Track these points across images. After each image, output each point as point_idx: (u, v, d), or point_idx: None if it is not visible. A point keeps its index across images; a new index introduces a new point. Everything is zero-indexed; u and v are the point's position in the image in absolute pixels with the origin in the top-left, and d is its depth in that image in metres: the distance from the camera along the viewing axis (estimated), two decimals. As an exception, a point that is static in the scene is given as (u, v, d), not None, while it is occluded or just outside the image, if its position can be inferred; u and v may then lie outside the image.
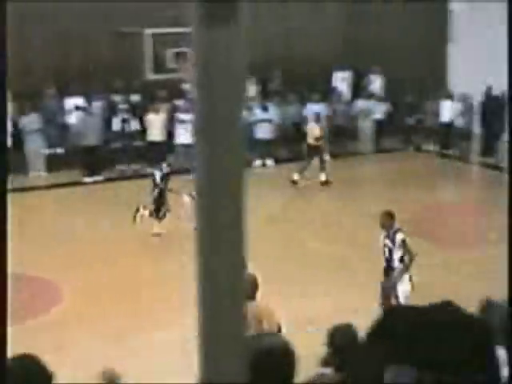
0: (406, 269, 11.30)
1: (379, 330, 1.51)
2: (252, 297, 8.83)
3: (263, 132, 21.95)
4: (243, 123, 1.25)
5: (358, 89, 24.19)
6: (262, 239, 15.44)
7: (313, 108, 22.23)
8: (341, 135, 22.93)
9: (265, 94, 22.98)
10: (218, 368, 1.24)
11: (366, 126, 23.24)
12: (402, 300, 11.13)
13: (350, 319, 5.92)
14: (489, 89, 22.55)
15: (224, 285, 1.25)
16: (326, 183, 19.72)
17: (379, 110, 23.30)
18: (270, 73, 23.05)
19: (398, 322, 1.50)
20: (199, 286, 1.25)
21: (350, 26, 23.93)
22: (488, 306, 7.84)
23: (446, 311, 1.53)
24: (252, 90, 22.79)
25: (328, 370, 4.81)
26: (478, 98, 22.68)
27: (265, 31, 22.00)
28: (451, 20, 24.89)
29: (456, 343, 1.44)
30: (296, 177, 19.69)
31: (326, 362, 4.94)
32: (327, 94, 23.31)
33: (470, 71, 23.21)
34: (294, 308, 11.82)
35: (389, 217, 11.43)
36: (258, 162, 21.75)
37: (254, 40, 21.18)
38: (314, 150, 19.96)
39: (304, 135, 20.86)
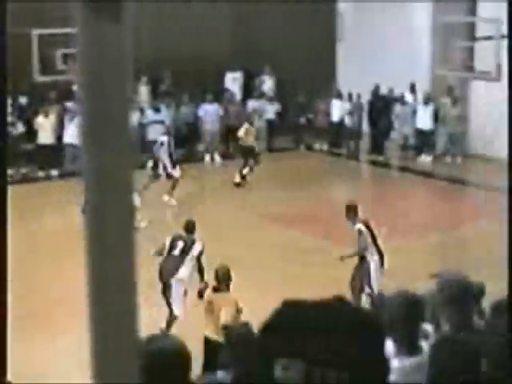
0: (354, 254, 11.95)
1: (271, 325, 1.53)
2: (226, 288, 9.50)
3: (155, 133, 21.81)
4: (131, 123, 1.25)
5: (250, 89, 24.34)
6: (155, 241, 15.36)
7: (206, 108, 22.28)
8: (233, 135, 23.03)
9: (156, 95, 22.86)
10: (110, 369, 1.23)
11: (258, 126, 23.38)
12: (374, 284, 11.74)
13: (247, 318, 5.96)
14: (376, 88, 23.05)
15: (114, 286, 1.24)
16: (239, 185, 19.90)
17: (270, 110, 23.50)
18: (160, 73, 22.93)
19: (289, 317, 1.52)
20: (89, 287, 1.24)
21: (241, 26, 24.05)
22: (380, 299, 8.02)
23: (336, 306, 1.55)
24: (143, 90, 22.63)
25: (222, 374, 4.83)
26: (366, 97, 23.16)
27: (155, 31, 21.87)
28: (339, 20, 25.34)
29: (345, 338, 1.47)
30: (237, 179, 19.86)
31: (220, 362, 4.96)
32: (219, 94, 23.36)
33: (358, 70, 23.71)
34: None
35: (349, 209, 12.03)
36: (150, 164, 21.60)
37: (143, 40, 21.05)
38: (248, 151, 20.14)
39: (198, 135, 20.91)
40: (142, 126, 21.70)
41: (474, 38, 19.95)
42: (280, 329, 1.50)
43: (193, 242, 11.43)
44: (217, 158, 22.55)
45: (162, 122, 21.97)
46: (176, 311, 11.13)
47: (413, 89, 22.47)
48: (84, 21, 1.17)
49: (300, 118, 23.89)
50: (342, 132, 23.33)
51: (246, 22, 24.05)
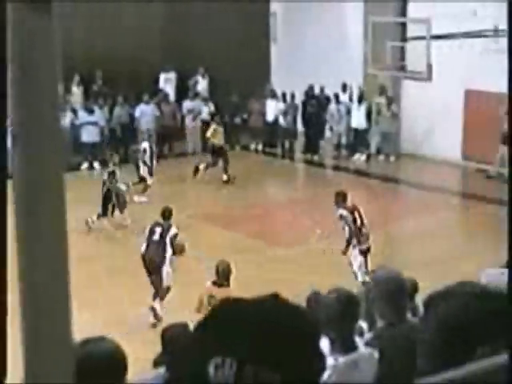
0: (349, 239, 12.53)
1: (206, 324, 1.52)
2: (225, 283, 10.06)
3: (89, 135, 21.61)
4: (61, 124, 1.23)
5: (184, 90, 24.27)
6: (84, 243, 15.20)
7: (143, 109, 22.15)
8: (168, 136, 22.96)
9: (88, 96, 22.62)
10: (43, 371, 1.21)
11: (192, 126, 23.34)
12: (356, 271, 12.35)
13: (179, 319, 5.93)
14: (310, 88, 23.20)
15: (47, 288, 1.22)
16: (227, 182, 20.08)
17: (205, 111, 23.47)
18: (92, 73, 22.70)
19: (224, 315, 1.52)
20: (21, 288, 1.22)
21: (175, 26, 23.95)
22: (314, 297, 8.08)
23: (271, 304, 1.55)
24: (75, 91, 22.37)
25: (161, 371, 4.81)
26: (300, 97, 23.30)
27: (87, 30, 21.65)
28: (272, 20, 25.44)
29: (279, 336, 1.47)
30: (225, 177, 20.03)
31: (156, 362, 4.94)
32: (154, 95, 23.23)
33: (292, 70, 23.84)
34: (104, 310, 11.74)
35: (338, 195, 12.71)
36: (84, 165, 21.42)
37: (76, 39, 20.82)
38: (218, 151, 20.30)
39: (134, 136, 20.82)
40: (75, 128, 21.45)
41: (404, 39, 20.26)
42: (214, 327, 1.50)
43: (169, 227, 12.47)
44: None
45: (95, 124, 21.76)
46: (169, 283, 12.27)
47: (344, 88, 22.68)
48: (13, 17, 1.15)
49: (235, 119, 23.90)
50: (277, 132, 23.41)
51: (179, 21, 23.97)
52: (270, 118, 23.42)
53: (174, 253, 12.36)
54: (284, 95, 23.38)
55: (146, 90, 22.81)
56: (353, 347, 4.64)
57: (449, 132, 21.07)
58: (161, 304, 12.14)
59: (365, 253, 12.66)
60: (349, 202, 12.85)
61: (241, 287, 12.28)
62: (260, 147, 23.81)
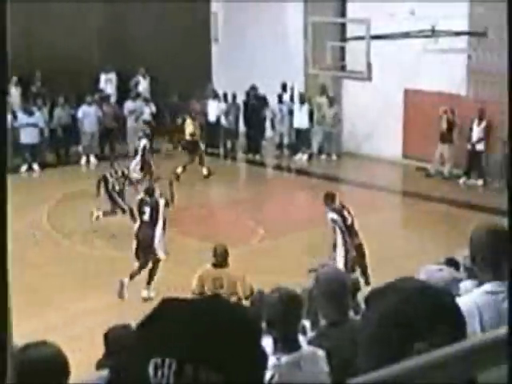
0: (344, 243, 12.58)
1: (148, 323, 1.52)
2: (225, 264, 10.35)
3: (28, 136, 21.32)
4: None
5: (125, 90, 24.10)
6: (30, 246, 15.03)
7: (85, 110, 21.94)
8: (109, 137, 22.78)
9: (27, 97, 22.32)
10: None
11: (134, 127, 23.18)
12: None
13: (128, 320, 5.89)
14: (252, 88, 23.23)
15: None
16: (208, 176, 20.36)
17: (147, 112, 23.34)
18: (32, 74, 22.41)
19: (165, 315, 1.52)
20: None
21: (114, 25, 23.78)
22: (258, 297, 8.10)
23: (212, 303, 1.55)
24: (14, 92, 22.05)
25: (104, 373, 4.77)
26: (242, 97, 23.32)
27: (25, 30, 21.36)
28: (213, 20, 25.41)
29: (220, 335, 1.47)
30: (179, 170, 20.04)
31: (99, 364, 4.89)
32: (95, 95, 23.01)
33: (234, 70, 23.85)
34: (52, 312, 11.61)
35: (327, 197, 12.88)
36: (24, 168, 21.15)
37: (13, 39, 20.51)
38: (192, 146, 20.50)
39: (75, 137, 20.61)
40: (14, 130, 21.14)
41: (344, 39, 20.42)
42: (155, 327, 1.50)
43: (157, 203, 12.98)
44: (92, 159, 22.25)
45: (34, 125, 21.48)
46: (161, 255, 12.97)
47: (284, 88, 22.78)
48: None
49: (176, 119, 23.80)
50: (219, 132, 23.40)
51: (119, 21, 23.80)
52: (211, 118, 23.39)
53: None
54: (225, 95, 23.38)
55: (86, 90, 22.59)
56: (296, 346, 4.65)
57: (389, 131, 21.31)
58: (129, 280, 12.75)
59: (358, 251, 12.71)
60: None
61: (184, 287, 12.27)
62: (202, 147, 23.74)
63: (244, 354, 1.48)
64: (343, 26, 21.43)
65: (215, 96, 23.51)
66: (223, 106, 23.32)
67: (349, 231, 12.66)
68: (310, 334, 6.04)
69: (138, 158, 18.56)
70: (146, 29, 23.93)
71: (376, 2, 19.66)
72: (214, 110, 23.39)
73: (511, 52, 1.44)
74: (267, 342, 4.53)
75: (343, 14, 22.17)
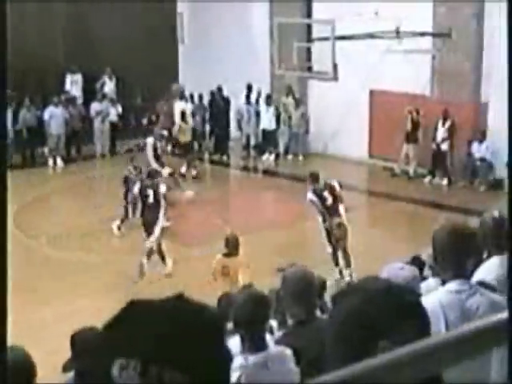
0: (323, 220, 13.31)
1: (113, 324, 1.52)
2: (235, 253, 10.81)
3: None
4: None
5: (92, 91, 23.97)
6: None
7: (52, 111, 21.77)
8: (76, 138, 22.63)
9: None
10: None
11: (101, 129, 23.07)
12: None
13: (95, 322, 5.86)
14: (218, 89, 23.22)
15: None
16: (196, 177, 20.59)
17: (113, 113, 23.23)
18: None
19: (131, 315, 1.52)
20: None
21: (80, 26, 23.63)
22: (226, 297, 8.11)
23: (177, 304, 1.56)
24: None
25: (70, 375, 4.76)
26: (207, 98, 23.30)
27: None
28: (179, 21, 25.35)
29: (184, 335, 1.48)
30: (194, 173, 20.48)
31: (65, 367, 4.87)
32: (61, 96, 22.83)
33: (200, 71, 23.82)
34: (29, 314, 11.52)
35: (309, 177, 13.59)
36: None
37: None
38: (185, 150, 20.85)
39: (41, 139, 20.52)
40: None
41: (310, 39, 20.49)
42: (121, 328, 1.50)
43: (157, 186, 13.64)
44: (59, 162, 22.09)
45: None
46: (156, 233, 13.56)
47: (250, 89, 22.79)
48: None
49: (143, 120, 23.72)
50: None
51: (84, 22, 23.66)
52: (178, 119, 23.31)
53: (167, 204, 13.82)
54: (192, 96, 23.34)
55: (52, 92, 22.43)
56: (263, 346, 4.67)
57: (355, 131, 21.41)
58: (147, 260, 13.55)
59: (337, 230, 13.25)
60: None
61: (151, 288, 12.27)
62: (169, 148, 23.67)
63: (208, 354, 1.49)
64: (309, 26, 21.50)
65: (182, 97, 23.45)
66: (190, 106, 23.27)
67: (328, 211, 13.14)
68: (278, 333, 6.06)
69: (151, 154, 18.40)
70: (112, 29, 23.81)
71: (341, 3, 19.75)
72: (180, 111, 23.30)
73: (511, 52, 1.47)
74: (235, 342, 4.55)
75: (309, 14, 22.24)
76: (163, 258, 13.79)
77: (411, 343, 1.42)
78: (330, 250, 13.34)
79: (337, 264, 13.38)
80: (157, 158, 18.34)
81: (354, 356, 1.58)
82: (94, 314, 10.73)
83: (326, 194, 13.22)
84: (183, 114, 21.31)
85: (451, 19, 19.04)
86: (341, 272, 13.32)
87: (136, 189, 13.89)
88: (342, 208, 13.33)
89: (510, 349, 1.55)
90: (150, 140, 18.63)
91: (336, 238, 13.23)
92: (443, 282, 4.00)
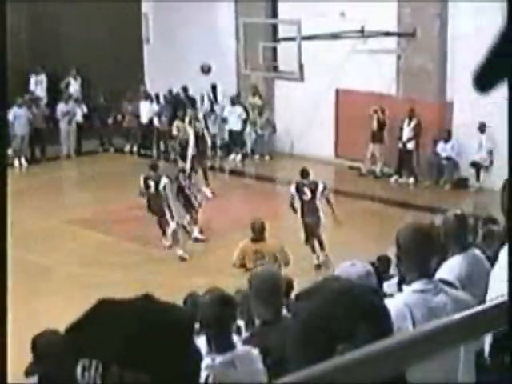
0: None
1: (78, 325, 1.50)
2: (262, 239, 11.19)
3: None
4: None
5: (56, 91, 23.80)
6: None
7: (16, 112, 21.57)
8: (40, 139, 22.45)
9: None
10: None
11: (67, 130, 22.91)
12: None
13: (56, 326, 5.81)
14: (183, 89, 23.17)
15: None
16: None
17: (79, 113, 23.09)
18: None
19: (96, 316, 1.50)
20: None
21: (43, 26, 23.44)
22: (191, 298, 8.09)
23: (143, 304, 1.54)
24: None
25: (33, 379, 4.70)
26: (173, 98, 23.23)
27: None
28: (144, 21, 25.24)
29: (150, 336, 1.46)
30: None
31: (27, 372, 4.82)
32: (25, 97, 22.63)
33: (166, 71, 23.74)
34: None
35: (300, 172, 14.22)
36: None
37: None
38: (184, 151, 20.12)
39: (6, 140, 20.11)
40: None
41: (276, 39, 20.51)
42: (85, 329, 1.48)
43: (159, 179, 14.76)
44: (23, 162, 21.90)
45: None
46: (173, 224, 14.72)
47: (214, 89, 22.77)
48: None
49: (108, 120, 23.61)
50: (151, 133, 23.25)
51: (47, 21, 23.48)
52: (144, 119, 23.26)
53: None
54: (157, 96, 23.27)
55: (16, 92, 22.21)
56: (230, 347, 4.66)
57: (322, 131, 21.46)
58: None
59: (311, 230, 13.98)
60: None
61: (119, 289, 12.15)
62: (135, 149, 23.60)
63: (176, 354, 1.48)
64: (275, 26, 21.52)
65: (147, 97, 23.38)
66: (155, 107, 23.21)
67: (303, 207, 13.82)
68: (245, 333, 6.05)
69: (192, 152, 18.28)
70: (76, 29, 23.66)
71: (307, 3, 19.79)
72: (146, 111, 23.25)
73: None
74: (201, 343, 4.53)
75: (274, 14, 22.27)
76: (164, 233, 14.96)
77: (373, 343, 1.41)
78: (303, 237, 14.05)
79: (313, 251, 14.13)
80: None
81: (315, 357, 1.57)
82: (54, 317, 10.65)
83: (306, 189, 13.86)
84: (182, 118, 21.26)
85: (416, 19, 19.17)
86: (318, 257, 14.15)
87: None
88: (319, 205, 13.98)
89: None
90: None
91: (310, 231, 13.98)
92: (408, 282, 4.01)
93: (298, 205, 13.98)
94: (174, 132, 20.51)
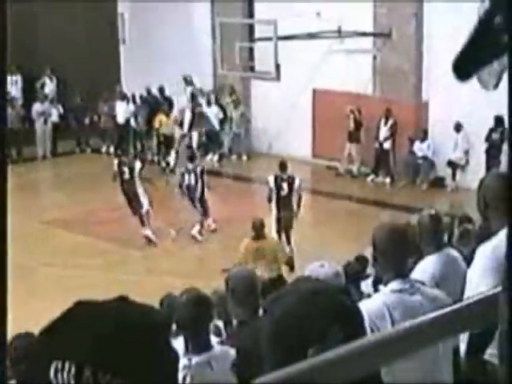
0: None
1: (52, 327, 1.49)
2: (262, 237, 11.56)
3: None
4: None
5: (32, 92, 23.66)
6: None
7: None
8: (16, 140, 22.29)
9: None
10: None
11: (43, 130, 22.78)
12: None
13: (31, 328, 5.77)
14: (160, 89, 23.13)
15: None
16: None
17: (54, 113, 22.97)
18: None
19: (70, 317, 1.49)
20: None
21: (18, 25, 23.26)
22: (168, 299, 8.07)
23: (118, 306, 1.53)
24: None
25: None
26: (149, 98, 23.17)
27: None
28: (120, 21, 25.14)
29: (125, 337, 1.45)
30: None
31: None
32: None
33: (143, 72, 23.67)
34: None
35: (279, 165, 14.48)
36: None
37: None
38: (169, 139, 21.29)
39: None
40: None
41: (252, 39, 20.50)
42: (59, 330, 1.47)
43: (133, 163, 15.80)
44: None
45: None
46: (146, 206, 15.53)
47: (191, 83, 22.75)
48: None
49: (84, 121, 23.51)
50: (128, 134, 23.17)
51: (23, 21, 23.30)
52: (120, 119, 23.16)
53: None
54: (134, 97, 23.20)
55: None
56: (207, 347, 4.65)
57: (299, 131, 21.49)
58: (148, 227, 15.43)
59: (285, 224, 14.15)
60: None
61: (99, 290, 12.07)
62: (112, 149, 23.49)
63: (149, 357, 1.47)
64: (251, 26, 21.51)
65: (123, 97, 23.29)
66: (132, 107, 23.13)
67: (278, 201, 14.03)
68: (225, 334, 6.05)
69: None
70: (52, 29, 23.53)
71: (283, 3, 19.81)
72: (122, 111, 23.16)
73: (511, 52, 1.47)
74: (179, 344, 4.52)
75: (251, 14, 22.27)
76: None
77: (345, 343, 1.41)
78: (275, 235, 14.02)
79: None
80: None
81: (288, 357, 1.56)
82: (31, 319, 10.58)
83: (284, 184, 14.07)
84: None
85: (391, 19, 19.24)
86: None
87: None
88: (294, 202, 14.20)
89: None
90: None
91: (284, 226, 14.14)
92: (385, 282, 4.01)
93: (274, 198, 14.17)
94: (156, 125, 20.64)
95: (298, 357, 1.52)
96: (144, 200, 15.53)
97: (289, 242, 14.33)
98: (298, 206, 14.38)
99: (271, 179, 14.26)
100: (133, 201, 15.58)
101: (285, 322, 1.79)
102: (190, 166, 15.96)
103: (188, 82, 22.76)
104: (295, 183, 14.22)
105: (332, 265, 4.95)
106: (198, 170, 15.92)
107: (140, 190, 15.57)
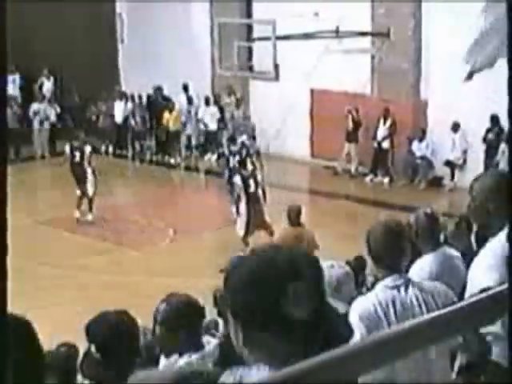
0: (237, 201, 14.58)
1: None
2: (298, 223, 11.67)
3: None
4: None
5: (30, 91, 23.65)
6: None
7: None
8: (14, 140, 22.27)
9: None
10: None
11: (41, 130, 22.77)
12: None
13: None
14: (158, 89, 23.11)
15: None
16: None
17: (52, 113, 22.95)
18: None
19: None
20: None
21: (16, 25, 23.25)
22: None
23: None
24: None
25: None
26: (147, 98, 23.18)
27: None
28: (118, 21, 25.12)
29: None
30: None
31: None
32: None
33: (141, 71, 23.66)
34: None
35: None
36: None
37: None
38: (176, 135, 21.86)
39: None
40: None
41: (251, 39, 20.49)
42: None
43: (83, 147, 16.72)
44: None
45: None
46: (91, 191, 16.60)
47: (186, 89, 22.73)
48: None
49: (82, 120, 23.48)
50: (126, 133, 23.16)
51: (22, 21, 23.27)
52: (118, 119, 23.15)
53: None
54: (132, 96, 23.18)
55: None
56: (199, 347, 4.62)
57: (297, 130, 21.48)
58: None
59: (260, 219, 14.26)
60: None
61: (93, 290, 12.13)
62: (110, 149, 23.48)
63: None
64: (250, 26, 21.50)
65: (122, 97, 23.27)
66: (130, 106, 23.12)
67: (248, 198, 14.13)
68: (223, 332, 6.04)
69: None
70: (50, 29, 23.52)
71: (281, 3, 19.79)
72: (120, 111, 23.15)
73: (511, 52, 1.46)
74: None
75: (249, 14, 22.25)
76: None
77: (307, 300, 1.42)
78: (241, 233, 14.16)
79: (247, 245, 13.95)
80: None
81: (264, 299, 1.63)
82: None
83: (251, 181, 14.28)
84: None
85: (390, 19, 19.24)
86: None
87: None
88: (261, 197, 14.48)
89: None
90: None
91: (255, 224, 14.20)
92: (380, 279, 4.02)
93: (243, 196, 14.25)
94: (164, 122, 20.76)
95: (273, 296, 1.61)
96: (90, 184, 16.61)
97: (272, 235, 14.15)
98: (264, 199, 14.65)
99: (238, 178, 14.49)
100: (80, 182, 16.66)
101: (253, 274, 1.86)
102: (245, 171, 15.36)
103: (184, 88, 22.76)
104: (258, 178, 14.59)
105: (341, 264, 4.95)
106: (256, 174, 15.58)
107: (89, 174, 16.63)
